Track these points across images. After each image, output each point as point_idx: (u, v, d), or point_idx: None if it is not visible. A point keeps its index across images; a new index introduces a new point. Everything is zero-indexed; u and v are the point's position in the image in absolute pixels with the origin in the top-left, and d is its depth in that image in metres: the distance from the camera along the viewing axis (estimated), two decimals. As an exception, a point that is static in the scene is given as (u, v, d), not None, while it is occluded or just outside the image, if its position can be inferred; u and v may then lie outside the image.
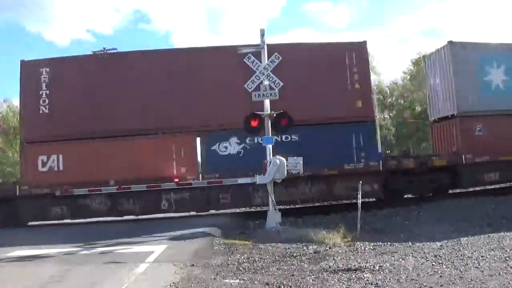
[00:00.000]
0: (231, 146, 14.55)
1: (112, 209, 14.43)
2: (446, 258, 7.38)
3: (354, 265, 7.19)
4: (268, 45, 12.09)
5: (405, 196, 15.56)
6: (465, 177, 15.58)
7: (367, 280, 6.36)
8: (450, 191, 16.08)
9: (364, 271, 6.85)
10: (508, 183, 16.83)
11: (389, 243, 9.07)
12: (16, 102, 30.13)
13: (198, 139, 14.56)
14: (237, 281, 6.68)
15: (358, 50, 15.33)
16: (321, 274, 6.85)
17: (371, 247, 8.72)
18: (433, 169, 15.36)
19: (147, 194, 14.21)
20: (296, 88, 14.10)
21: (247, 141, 14.46)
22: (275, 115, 11.67)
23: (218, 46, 15.38)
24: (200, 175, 14.50)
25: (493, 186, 17.07)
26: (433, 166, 15.33)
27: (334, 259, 7.75)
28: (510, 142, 15.70)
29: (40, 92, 14.61)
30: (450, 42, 16.49)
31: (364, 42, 15.46)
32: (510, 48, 17.15)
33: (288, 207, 15.36)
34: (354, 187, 13.57)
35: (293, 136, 14.40)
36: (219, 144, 14.54)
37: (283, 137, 14.11)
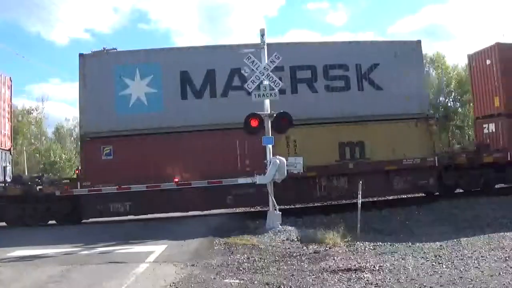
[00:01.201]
0: None
1: None
2: (446, 258, 7.39)
3: (354, 265, 7.19)
4: None
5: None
6: (86, 208, 13.86)
7: (367, 280, 6.36)
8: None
9: (364, 271, 6.85)
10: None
11: (389, 243, 9.07)
12: None
13: None
14: (237, 281, 6.68)
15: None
16: (321, 274, 6.85)
17: (371, 247, 8.72)
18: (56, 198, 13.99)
19: None
20: None
21: None
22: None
23: None
24: None
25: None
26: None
27: (334, 259, 7.75)
28: (145, 167, 13.61)
29: None
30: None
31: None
32: (166, 54, 14.57)
33: (288, 207, 15.35)
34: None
35: None
36: None
37: None
